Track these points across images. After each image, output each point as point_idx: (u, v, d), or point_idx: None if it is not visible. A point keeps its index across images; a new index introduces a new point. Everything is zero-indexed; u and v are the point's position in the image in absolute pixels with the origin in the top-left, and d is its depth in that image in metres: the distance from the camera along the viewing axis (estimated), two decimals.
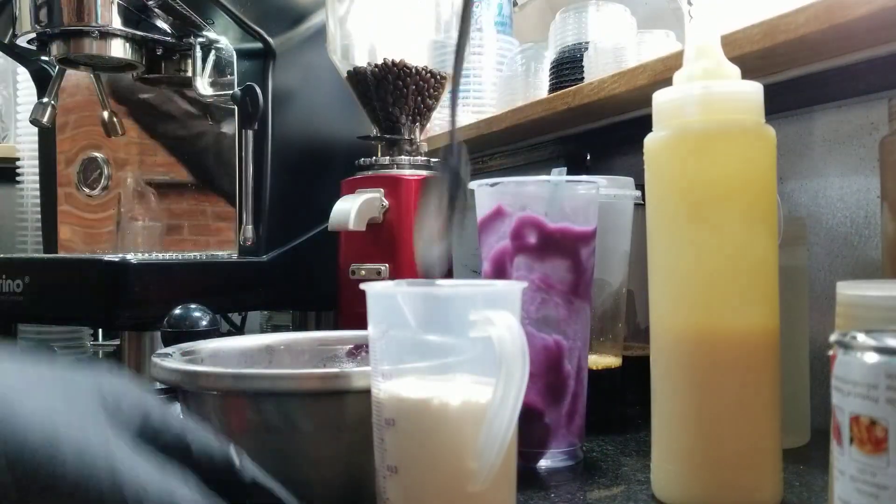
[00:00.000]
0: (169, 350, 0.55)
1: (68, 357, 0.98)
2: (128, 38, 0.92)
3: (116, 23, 0.89)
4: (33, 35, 0.91)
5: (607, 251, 0.67)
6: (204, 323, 0.68)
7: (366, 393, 0.46)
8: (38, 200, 1.13)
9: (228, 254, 0.95)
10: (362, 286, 0.39)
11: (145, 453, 0.32)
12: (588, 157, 1.05)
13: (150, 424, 0.34)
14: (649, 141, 0.50)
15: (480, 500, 0.36)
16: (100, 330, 1.24)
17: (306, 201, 0.95)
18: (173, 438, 0.35)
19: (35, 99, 1.00)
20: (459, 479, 0.36)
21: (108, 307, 0.77)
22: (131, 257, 0.79)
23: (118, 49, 0.92)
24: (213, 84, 0.95)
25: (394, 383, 0.38)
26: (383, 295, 0.40)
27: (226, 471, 0.35)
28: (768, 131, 0.48)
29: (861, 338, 0.28)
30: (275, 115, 0.91)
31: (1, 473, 0.28)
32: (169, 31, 0.94)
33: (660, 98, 0.50)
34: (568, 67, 0.92)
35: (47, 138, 1.09)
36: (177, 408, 0.38)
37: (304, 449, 0.46)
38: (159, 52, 0.98)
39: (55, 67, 0.96)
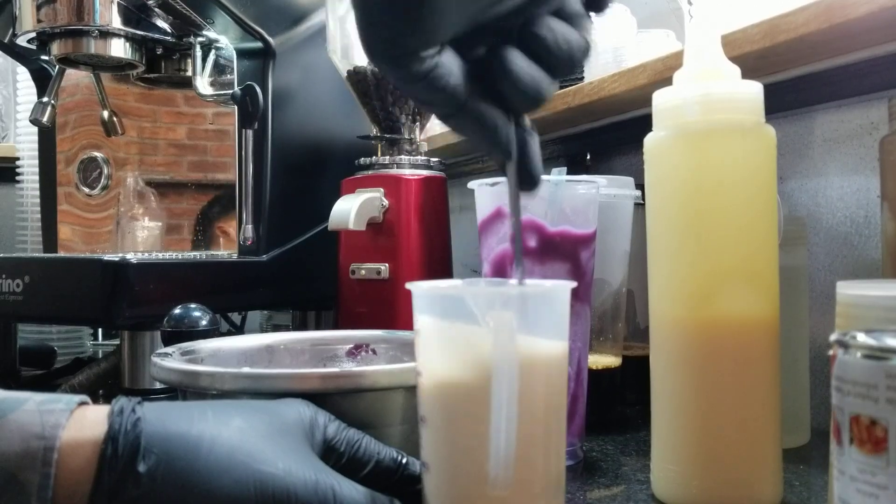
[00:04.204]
0: (169, 350, 0.55)
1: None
2: (128, 37, 0.92)
3: (116, 22, 0.89)
4: (33, 34, 0.91)
5: (607, 251, 0.67)
6: (204, 322, 0.68)
7: (368, 392, 0.46)
8: (38, 200, 1.13)
9: (228, 253, 0.95)
10: (408, 285, 0.39)
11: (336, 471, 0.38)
12: (588, 157, 1.06)
13: (329, 442, 0.40)
14: (649, 141, 0.50)
15: None
16: (100, 330, 1.24)
17: (306, 201, 0.95)
18: (350, 451, 0.41)
19: (35, 98, 1.00)
20: (482, 481, 0.36)
21: (107, 307, 0.77)
22: (131, 257, 0.79)
23: (118, 48, 0.92)
24: (213, 83, 0.95)
25: (425, 379, 0.38)
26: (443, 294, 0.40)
27: (396, 469, 0.42)
28: (768, 131, 0.48)
29: (861, 337, 0.28)
30: (275, 114, 0.91)
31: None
32: (169, 30, 0.94)
33: (660, 98, 0.50)
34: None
35: (47, 138, 1.09)
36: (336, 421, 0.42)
37: None
38: (159, 51, 0.98)
39: (55, 67, 0.96)
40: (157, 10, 0.91)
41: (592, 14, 0.37)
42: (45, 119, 0.95)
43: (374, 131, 0.90)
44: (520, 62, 0.34)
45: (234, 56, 0.92)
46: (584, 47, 0.36)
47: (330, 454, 0.40)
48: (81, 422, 0.35)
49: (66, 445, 0.34)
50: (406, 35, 0.32)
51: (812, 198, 0.72)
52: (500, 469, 0.35)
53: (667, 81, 0.50)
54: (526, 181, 0.37)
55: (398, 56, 0.33)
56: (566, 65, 0.36)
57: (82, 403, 0.36)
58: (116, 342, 0.87)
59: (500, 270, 0.58)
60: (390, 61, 0.34)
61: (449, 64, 0.34)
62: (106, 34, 0.90)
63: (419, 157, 0.88)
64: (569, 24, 0.35)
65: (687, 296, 0.48)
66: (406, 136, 0.89)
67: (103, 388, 0.82)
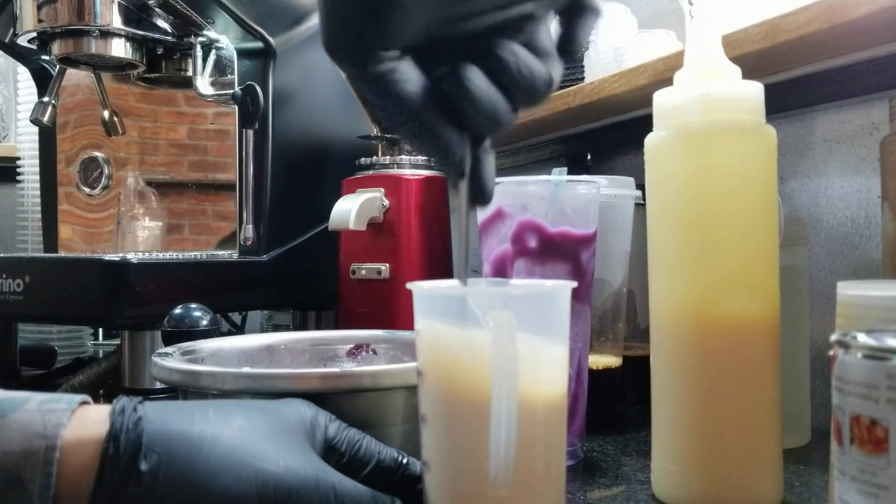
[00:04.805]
0: (169, 349, 0.55)
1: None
2: (128, 37, 0.92)
3: (117, 22, 0.89)
4: (34, 34, 0.91)
5: (608, 251, 0.67)
6: (204, 322, 0.68)
7: (368, 392, 0.46)
8: (39, 200, 1.13)
9: (229, 253, 0.95)
10: (408, 285, 0.39)
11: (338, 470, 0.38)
12: (588, 157, 1.06)
13: (330, 442, 0.40)
14: (650, 141, 0.50)
15: None
16: (100, 329, 1.24)
17: (307, 201, 0.95)
18: (351, 451, 0.41)
19: (36, 98, 1.00)
20: (483, 481, 0.36)
21: (108, 307, 0.77)
22: (131, 257, 0.79)
23: (119, 48, 0.92)
24: (213, 83, 0.95)
25: (425, 379, 0.39)
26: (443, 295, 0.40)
27: (397, 469, 0.41)
28: (769, 131, 0.48)
29: (861, 338, 0.28)
30: (275, 114, 0.91)
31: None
32: (169, 30, 0.94)
33: (660, 98, 0.50)
34: (568, 67, 0.92)
35: (48, 138, 1.09)
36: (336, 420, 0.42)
37: None
38: (160, 51, 0.98)
39: (56, 67, 0.96)
40: (157, 9, 0.91)
41: (562, 58, 0.38)
42: (45, 119, 0.95)
43: (375, 131, 0.90)
44: (478, 81, 0.35)
45: (235, 56, 0.92)
46: (546, 80, 0.36)
47: (331, 454, 0.40)
48: (83, 421, 0.35)
49: (68, 445, 0.34)
50: (369, 31, 0.33)
51: (813, 198, 0.72)
52: (500, 469, 0.35)
53: (667, 82, 0.50)
54: (477, 196, 0.38)
55: (357, 52, 0.33)
56: (526, 93, 0.36)
57: (83, 403, 0.36)
58: (117, 342, 0.87)
59: (501, 271, 0.58)
60: (349, 57, 0.34)
61: (407, 71, 0.34)
62: (106, 34, 0.90)
63: (420, 157, 0.88)
64: (536, 56, 0.36)
65: (687, 296, 0.48)
66: None
67: (104, 387, 0.82)
